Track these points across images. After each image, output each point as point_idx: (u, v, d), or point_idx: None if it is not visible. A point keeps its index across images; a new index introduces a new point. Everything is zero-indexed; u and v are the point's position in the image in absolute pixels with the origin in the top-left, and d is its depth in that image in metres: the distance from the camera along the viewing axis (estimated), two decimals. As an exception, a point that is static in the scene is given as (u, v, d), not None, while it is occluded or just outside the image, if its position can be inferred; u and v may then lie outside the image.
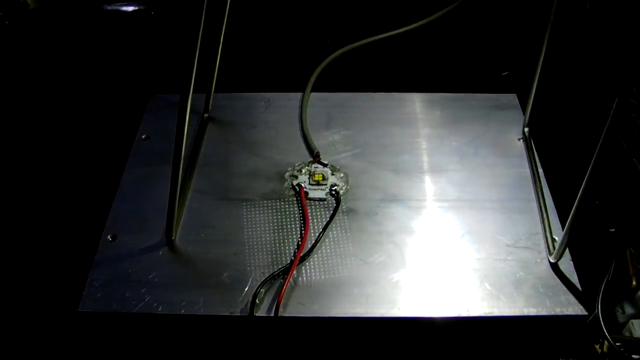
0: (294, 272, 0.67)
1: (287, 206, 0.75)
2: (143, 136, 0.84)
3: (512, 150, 0.82)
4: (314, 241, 0.70)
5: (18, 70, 1.00)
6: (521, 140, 0.83)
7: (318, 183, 0.77)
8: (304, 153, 0.82)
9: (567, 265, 0.68)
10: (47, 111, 0.94)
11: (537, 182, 0.77)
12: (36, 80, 0.98)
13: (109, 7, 1.10)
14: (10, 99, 0.95)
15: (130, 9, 1.10)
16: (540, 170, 0.79)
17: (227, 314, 0.64)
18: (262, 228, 0.72)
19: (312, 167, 0.79)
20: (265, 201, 0.76)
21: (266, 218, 0.74)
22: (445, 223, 0.74)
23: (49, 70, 1.00)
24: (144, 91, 0.91)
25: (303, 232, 0.71)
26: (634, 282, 0.64)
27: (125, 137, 0.84)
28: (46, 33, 1.05)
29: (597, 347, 0.63)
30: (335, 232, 0.72)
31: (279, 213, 0.74)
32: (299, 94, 0.90)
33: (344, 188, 0.77)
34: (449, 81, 0.96)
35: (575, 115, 0.90)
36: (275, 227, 0.73)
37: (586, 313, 0.64)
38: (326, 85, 0.93)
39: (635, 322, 0.64)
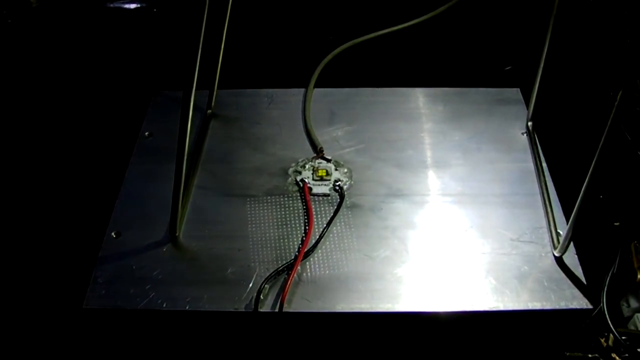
0: (299, 267, 0.67)
1: (291, 202, 0.75)
2: (146, 133, 0.84)
3: (515, 145, 0.82)
4: (318, 237, 0.70)
5: (21, 68, 1.00)
6: (525, 135, 0.83)
7: (322, 178, 0.77)
8: (308, 149, 0.82)
9: (571, 259, 0.68)
10: (50, 109, 0.94)
11: (541, 176, 0.77)
12: (39, 78, 0.98)
13: (112, 5, 1.10)
14: (13, 97, 0.95)
15: (133, 6, 1.10)
16: (544, 165, 0.78)
17: (232, 309, 0.64)
18: (266, 224, 0.72)
19: (316, 162, 0.79)
20: (269, 197, 0.76)
21: (270, 214, 0.74)
22: (449, 218, 0.73)
23: (51, 68, 1.00)
24: (147, 88, 0.91)
25: (307, 227, 0.71)
26: (639, 276, 0.64)
27: (129, 134, 0.84)
28: (49, 31, 1.05)
29: (602, 340, 0.63)
30: (339, 227, 0.72)
31: (282, 209, 0.74)
32: (302, 90, 0.90)
33: (347, 183, 0.77)
34: (452, 76, 0.96)
35: (579, 109, 0.89)
36: (280, 223, 0.72)
37: (591, 307, 0.64)
38: (329, 80, 0.93)
39: (640, 315, 0.64)
